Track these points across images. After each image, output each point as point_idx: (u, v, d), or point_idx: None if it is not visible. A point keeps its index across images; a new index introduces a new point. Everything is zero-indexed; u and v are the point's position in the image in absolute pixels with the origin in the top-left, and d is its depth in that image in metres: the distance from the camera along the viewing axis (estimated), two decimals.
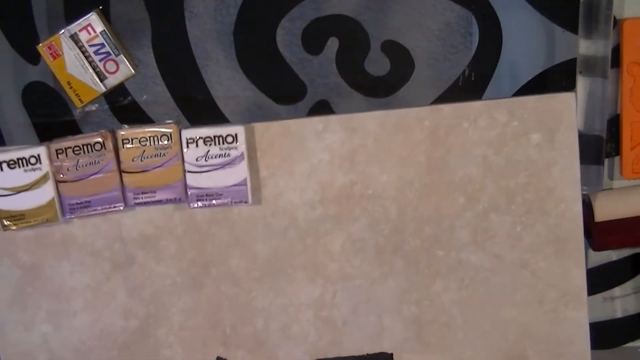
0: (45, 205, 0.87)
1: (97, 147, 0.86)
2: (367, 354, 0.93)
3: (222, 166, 0.86)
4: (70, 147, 0.86)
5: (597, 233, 0.95)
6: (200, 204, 0.87)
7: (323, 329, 0.93)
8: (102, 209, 0.87)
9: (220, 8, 0.92)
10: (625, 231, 0.95)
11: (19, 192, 0.86)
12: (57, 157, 0.86)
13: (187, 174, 0.87)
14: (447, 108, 0.89)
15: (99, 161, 0.86)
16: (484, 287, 0.92)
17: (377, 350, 0.93)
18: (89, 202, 0.87)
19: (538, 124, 0.89)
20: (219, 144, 0.86)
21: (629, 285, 1.01)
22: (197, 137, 0.86)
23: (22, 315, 0.93)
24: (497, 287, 0.92)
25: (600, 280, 1.00)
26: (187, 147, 0.86)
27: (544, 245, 0.91)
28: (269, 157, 0.90)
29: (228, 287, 0.93)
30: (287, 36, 0.93)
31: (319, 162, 0.90)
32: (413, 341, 0.93)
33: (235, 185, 0.87)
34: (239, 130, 0.86)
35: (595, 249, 0.96)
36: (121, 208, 0.88)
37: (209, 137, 0.86)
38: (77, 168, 0.86)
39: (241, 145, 0.86)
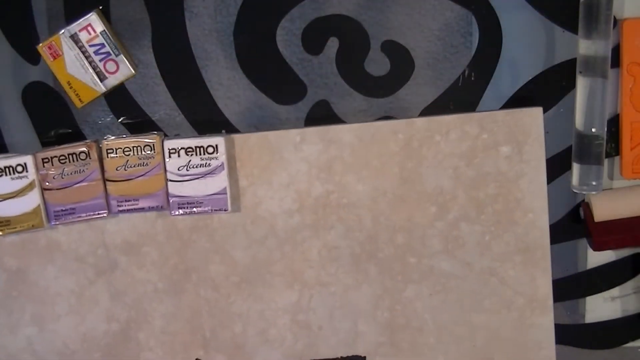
0: (31, 212, 0.89)
1: (82, 156, 0.88)
2: (342, 357, 0.96)
3: (203, 175, 0.89)
4: (56, 156, 0.88)
5: (596, 233, 0.95)
6: (181, 211, 0.90)
7: (299, 333, 0.96)
8: (86, 216, 0.90)
9: (220, 8, 0.92)
10: (625, 231, 0.95)
11: (5, 199, 0.88)
12: (44, 166, 0.88)
13: (169, 183, 0.89)
14: (420, 121, 0.92)
15: (84, 170, 0.88)
16: (454, 294, 0.94)
17: (352, 354, 0.96)
18: (73, 209, 0.89)
19: (507, 137, 0.91)
20: (200, 154, 0.88)
21: (629, 285, 1.01)
22: (179, 148, 0.88)
23: (7, 319, 0.95)
24: (467, 293, 0.95)
25: (600, 280, 1.01)
26: (170, 157, 0.88)
27: (512, 254, 0.94)
28: (248, 167, 0.92)
29: (208, 292, 0.95)
30: (287, 36, 0.93)
31: (297, 172, 0.92)
32: (386, 345, 0.96)
33: (215, 194, 0.89)
34: (219, 141, 0.88)
35: (595, 249, 0.96)
36: (105, 215, 0.90)
37: (191, 148, 0.88)
38: (63, 176, 0.88)
39: (221, 156, 0.88)
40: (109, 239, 0.94)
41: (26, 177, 0.88)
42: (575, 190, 0.94)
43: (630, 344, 1.03)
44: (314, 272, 0.94)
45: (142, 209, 0.90)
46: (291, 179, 0.92)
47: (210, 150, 0.88)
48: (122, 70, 0.89)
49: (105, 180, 0.89)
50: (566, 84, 0.94)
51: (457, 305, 0.94)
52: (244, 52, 0.93)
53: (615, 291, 1.01)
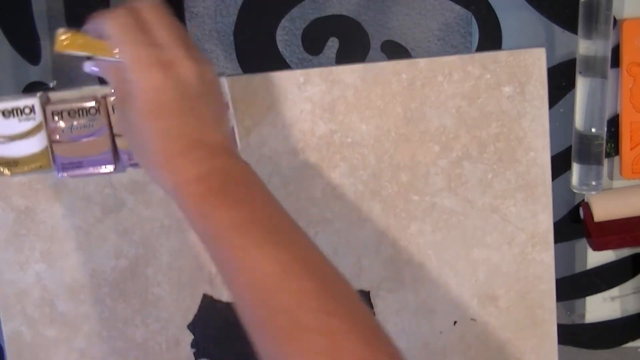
0: (38, 153, 0.89)
1: (92, 112, 0.88)
2: None
3: None
4: (66, 110, 0.88)
5: (596, 233, 0.96)
6: None
7: None
8: (93, 169, 0.90)
9: (220, 8, 0.91)
10: (625, 231, 0.96)
11: (13, 140, 0.89)
12: (53, 119, 0.88)
13: None
14: (422, 62, 0.92)
15: (92, 125, 0.88)
16: (456, 230, 0.96)
17: (356, 289, 0.98)
18: (81, 162, 0.89)
19: (510, 77, 0.92)
20: None
21: (629, 285, 1.01)
22: None
23: (17, 256, 0.96)
24: (469, 230, 0.96)
25: (600, 280, 1.01)
26: None
27: (513, 191, 0.95)
28: (253, 107, 0.93)
29: None
30: (287, 36, 0.93)
31: (301, 112, 0.93)
32: (390, 280, 0.97)
33: None
34: (222, 82, 0.88)
35: (595, 249, 0.97)
36: (111, 170, 0.89)
37: None
38: (72, 130, 0.88)
39: (226, 96, 0.89)
40: (115, 179, 0.95)
41: (34, 118, 0.88)
42: (575, 190, 0.94)
43: (630, 344, 1.04)
44: (319, 210, 0.96)
45: None
46: (295, 118, 0.93)
47: None
48: None
49: (114, 135, 0.89)
50: (566, 84, 0.94)
51: (459, 241, 0.96)
52: (244, 52, 0.92)
53: (615, 291, 1.02)
